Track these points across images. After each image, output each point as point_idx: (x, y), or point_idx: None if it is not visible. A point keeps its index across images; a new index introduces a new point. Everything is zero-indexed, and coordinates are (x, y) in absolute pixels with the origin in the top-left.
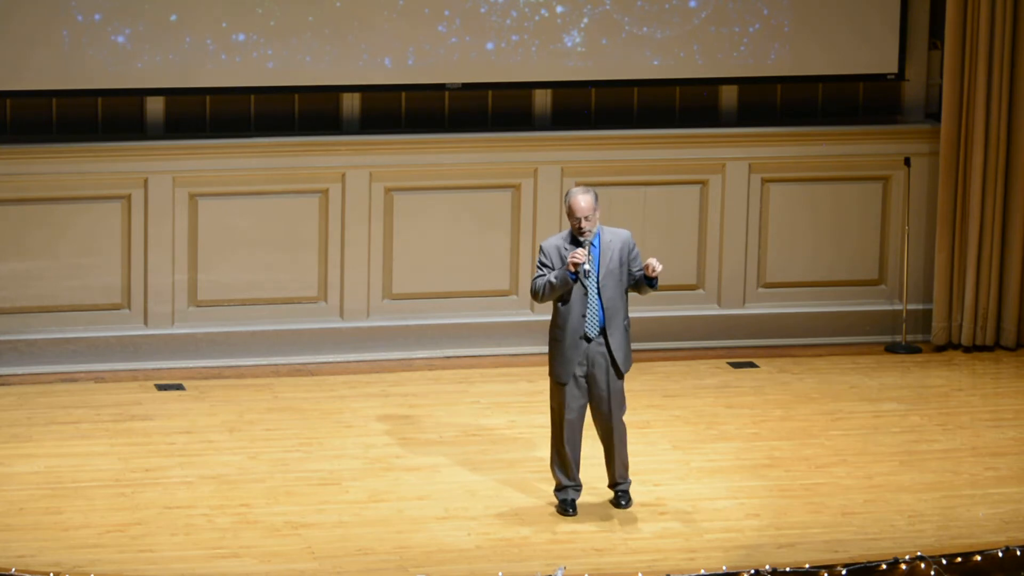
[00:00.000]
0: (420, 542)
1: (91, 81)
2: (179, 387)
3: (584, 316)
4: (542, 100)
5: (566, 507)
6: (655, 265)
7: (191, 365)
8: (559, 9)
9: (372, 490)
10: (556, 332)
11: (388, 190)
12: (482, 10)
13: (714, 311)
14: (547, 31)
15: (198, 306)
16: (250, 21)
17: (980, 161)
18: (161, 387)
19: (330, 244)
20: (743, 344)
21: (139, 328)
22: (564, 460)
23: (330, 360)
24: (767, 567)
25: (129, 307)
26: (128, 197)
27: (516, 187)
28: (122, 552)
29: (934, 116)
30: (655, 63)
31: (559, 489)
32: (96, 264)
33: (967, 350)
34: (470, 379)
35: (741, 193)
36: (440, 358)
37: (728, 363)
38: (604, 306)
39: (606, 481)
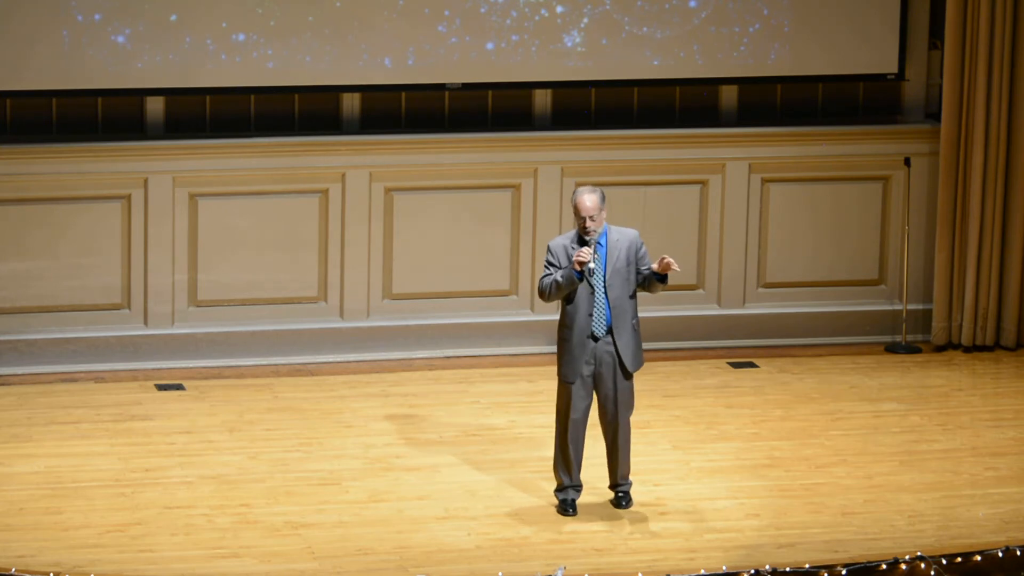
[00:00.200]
0: (420, 542)
1: (91, 81)
2: (179, 387)
3: (591, 315)
4: (542, 100)
5: (566, 507)
6: (671, 262)
7: (191, 365)
8: (559, 9)
9: (372, 490)
10: (563, 331)
11: (388, 190)
12: (482, 10)
13: (714, 311)
14: (547, 31)
15: (198, 306)
16: (250, 21)
17: (980, 161)
18: (161, 387)
19: (330, 244)
20: (743, 344)
21: (139, 328)
22: (567, 460)
23: (330, 360)
24: (767, 567)
25: (129, 307)
26: (128, 197)
27: (516, 187)
28: (122, 552)
29: (934, 116)
30: (655, 63)
31: (560, 489)
32: (96, 264)
33: (967, 350)
34: (470, 379)
35: (741, 193)
36: (440, 358)
37: (728, 363)
38: (611, 305)
39: (606, 481)
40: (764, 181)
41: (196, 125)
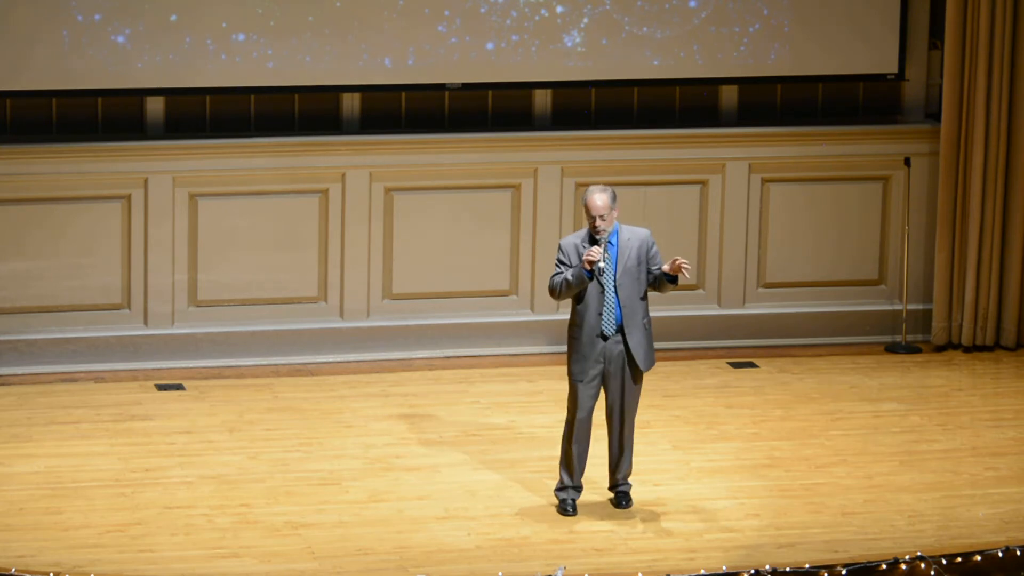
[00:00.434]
0: (420, 542)
1: (91, 81)
2: (179, 387)
3: (601, 314)
4: (542, 100)
5: (565, 507)
6: (682, 262)
7: (191, 365)
8: (559, 9)
9: (372, 490)
10: (574, 330)
11: (388, 190)
12: (482, 10)
13: (714, 311)
14: (547, 31)
15: (198, 306)
16: (250, 21)
17: (980, 161)
18: (161, 387)
19: (330, 244)
20: (743, 344)
21: (139, 328)
22: (570, 459)
23: (330, 360)
24: (767, 567)
25: (129, 307)
26: (128, 197)
27: (516, 187)
28: (122, 552)
29: (934, 116)
30: (655, 63)
31: (560, 488)
32: (96, 264)
33: (967, 350)
34: (470, 379)
35: (741, 193)
36: (440, 358)
37: (728, 363)
38: (621, 304)
39: (607, 482)
40: (764, 181)
41: (196, 125)
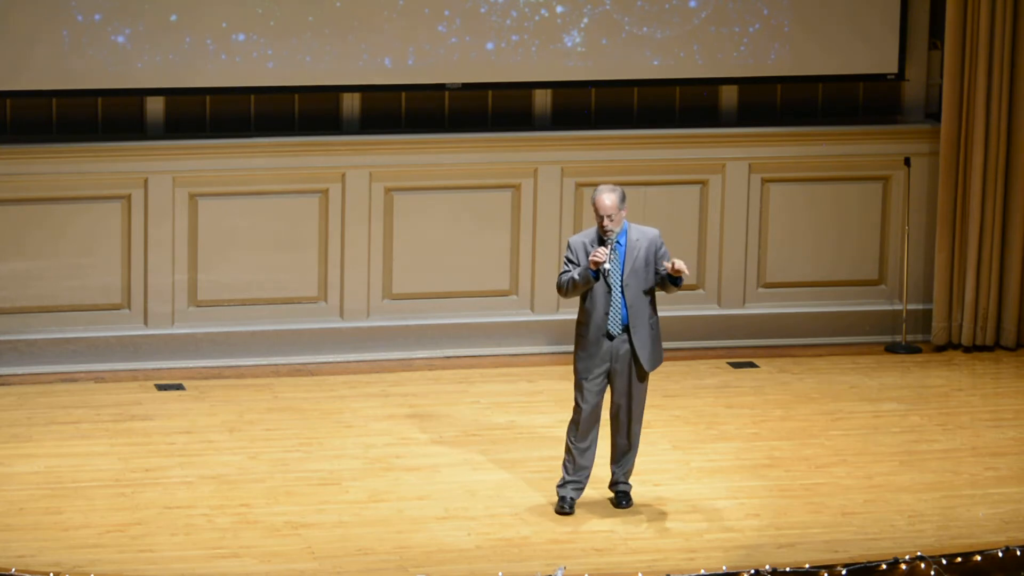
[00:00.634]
0: (420, 542)
1: (91, 81)
2: (179, 387)
3: (607, 314)
4: (542, 100)
5: (563, 505)
6: (680, 267)
7: (191, 365)
8: (559, 9)
9: (372, 490)
10: (580, 328)
11: (388, 190)
12: (482, 10)
13: (714, 311)
14: (547, 31)
15: (198, 306)
16: (250, 21)
17: (980, 161)
18: (161, 387)
19: (330, 244)
20: (743, 344)
21: (139, 328)
22: (571, 454)
23: (330, 360)
24: (767, 567)
25: (129, 307)
26: (128, 197)
27: (516, 187)
28: (122, 552)
29: (934, 116)
30: (655, 63)
31: (561, 485)
32: (96, 264)
33: (967, 350)
34: (470, 379)
35: (741, 193)
36: (440, 358)
37: (728, 363)
38: (627, 304)
39: (607, 481)
40: (764, 181)
41: (196, 125)
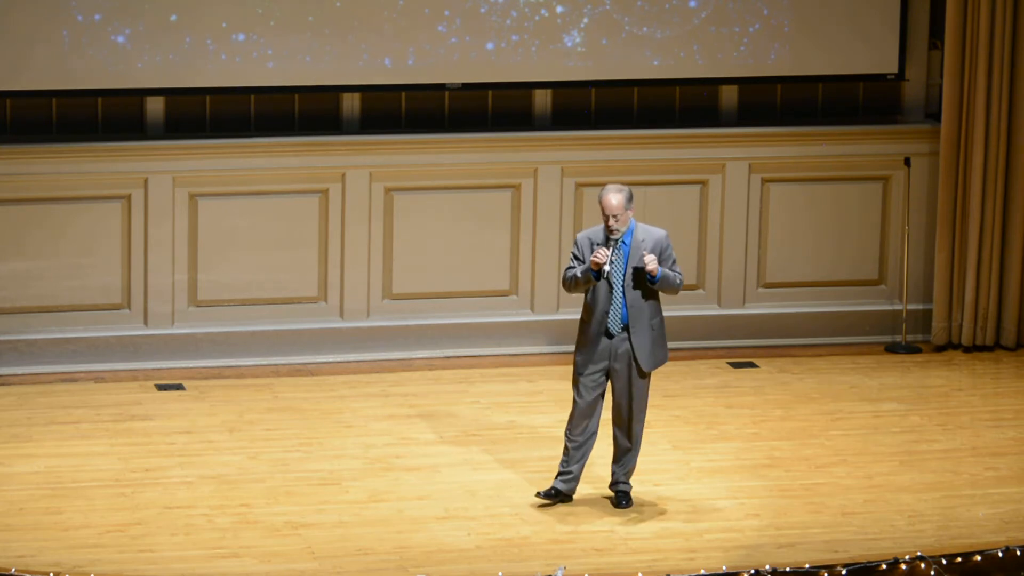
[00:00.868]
0: (420, 542)
1: (91, 81)
2: (179, 387)
3: (608, 312)
4: (542, 100)
5: (547, 490)
6: (646, 261)
7: (191, 365)
8: (559, 9)
9: (372, 490)
10: (582, 325)
11: (388, 190)
12: (482, 10)
13: (714, 311)
14: (547, 31)
15: (198, 306)
16: (250, 21)
17: (980, 161)
18: (161, 387)
19: (330, 244)
20: (743, 344)
21: (139, 328)
22: (566, 447)
23: (330, 360)
24: (767, 567)
25: (129, 307)
26: (128, 197)
27: (516, 187)
28: (122, 552)
29: (934, 116)
30: (655, 63)
31: (556, 476)
32: (96, 264)
33: (967, 350)
34: (470, 379)
35: (741, 193)
36: (440, 358)
37: (728, 363)
38: (628, 304)
39: (607, 480)
40: (764, 181)
41: (196, 125)
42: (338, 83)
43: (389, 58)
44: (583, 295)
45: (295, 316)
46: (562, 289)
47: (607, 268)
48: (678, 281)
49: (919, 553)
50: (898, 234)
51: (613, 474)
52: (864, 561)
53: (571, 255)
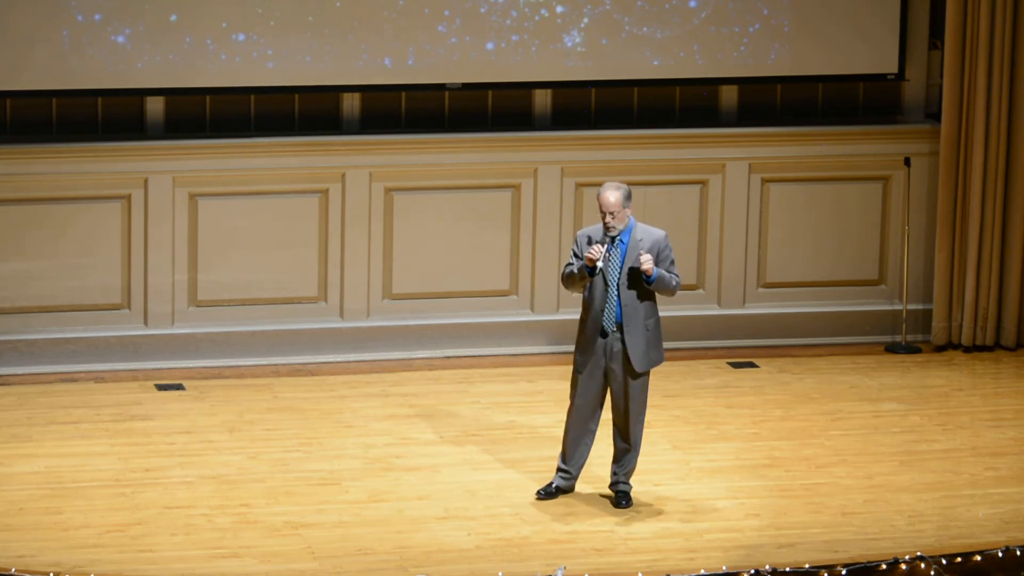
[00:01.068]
0: (420, 542)
1: (91, 81)
2: (179, 387)
3: (603, 311)
4: (542, 100)
5: (545, 488)
6: (641, 260)
7: (191, 365)
8: (559, 9)
9: (372, 490)
10: (580, 324)
11: (388, 190)
12: (482, 10)
13: (714, 311)
14: (547, 31)
15: (198, 306)
16: (250, 21)
17: (980, 161)
18: (161, 387)
19: (330, 244)
20: (743, 344)
21: (139, 328)
22: (564, 444)
23: (330, 360)
24: (767, 567)
25: (129, 307)
26: (128, 197)
27: (516, 187)
28: (122, 552)
29: (934, 116)
30: (655, 63)
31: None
32: (96, 264)
33: (967, 350)
34: (470, 379)
35: (741, 193)
36: (440, 358)
37: (728, 363)
38: (622, 303)
39: (607, 480)
40: (764, 181)
41: (196, 125)
42: (338, 83)
43: (389, 58)
44: (583, 294)
45: (295, 316)
46: (562, 289)
47: (600, 264)
48: (674, 283)
49: (919, 553)
50: (898, 234)
51: (613, 474)
52: (864, 561)
53: (571, 251)
